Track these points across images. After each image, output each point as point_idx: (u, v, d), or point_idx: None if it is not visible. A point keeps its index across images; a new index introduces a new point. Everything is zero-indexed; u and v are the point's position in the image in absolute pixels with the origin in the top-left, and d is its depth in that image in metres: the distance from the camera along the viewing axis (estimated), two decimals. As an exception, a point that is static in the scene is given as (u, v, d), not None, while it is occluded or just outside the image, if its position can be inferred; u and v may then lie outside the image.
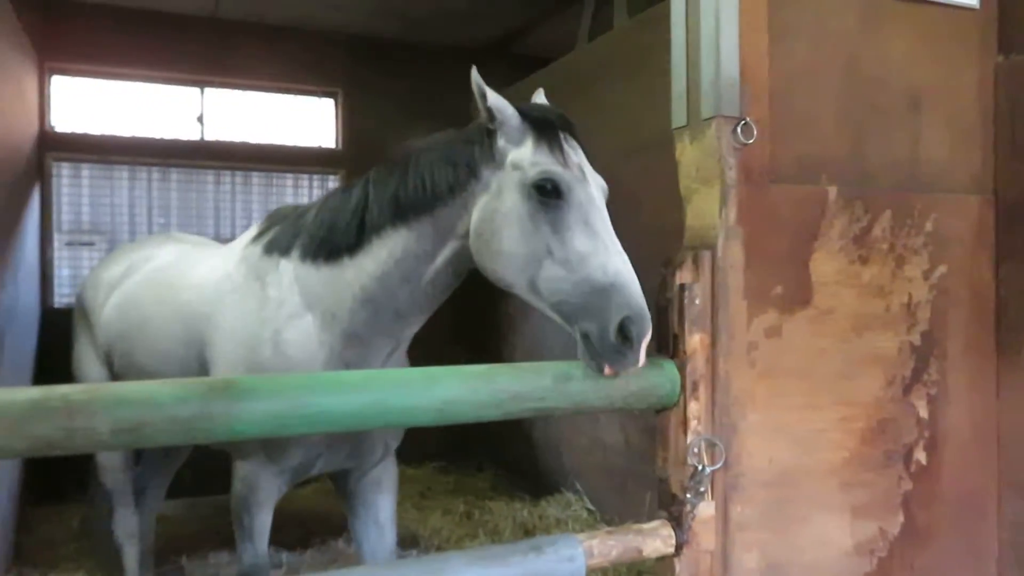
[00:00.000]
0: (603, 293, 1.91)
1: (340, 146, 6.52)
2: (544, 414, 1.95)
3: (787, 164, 2.19)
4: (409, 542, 4.55)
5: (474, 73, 2.12)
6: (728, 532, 2.11)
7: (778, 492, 2.17)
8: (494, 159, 2.19)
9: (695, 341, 2.09)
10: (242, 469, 2.64)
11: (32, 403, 1.50)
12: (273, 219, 2.91)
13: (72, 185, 5.72)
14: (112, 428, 1.54)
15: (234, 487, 2.69)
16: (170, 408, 1.58)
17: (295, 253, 2.64)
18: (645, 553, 2.05)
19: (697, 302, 2.09)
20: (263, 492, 2.64)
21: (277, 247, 2.71)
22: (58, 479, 5.06)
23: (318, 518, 5.09)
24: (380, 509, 2.91)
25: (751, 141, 2.12)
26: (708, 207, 2.15)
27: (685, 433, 2.08)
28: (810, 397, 2.21)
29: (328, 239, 2.52)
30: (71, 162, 5.69)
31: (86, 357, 3.62)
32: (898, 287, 2.33)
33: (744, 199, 2.13)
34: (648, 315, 1.90)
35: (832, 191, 2.24)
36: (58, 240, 5.72)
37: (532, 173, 2.06)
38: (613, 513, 4.73)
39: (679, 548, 2.07)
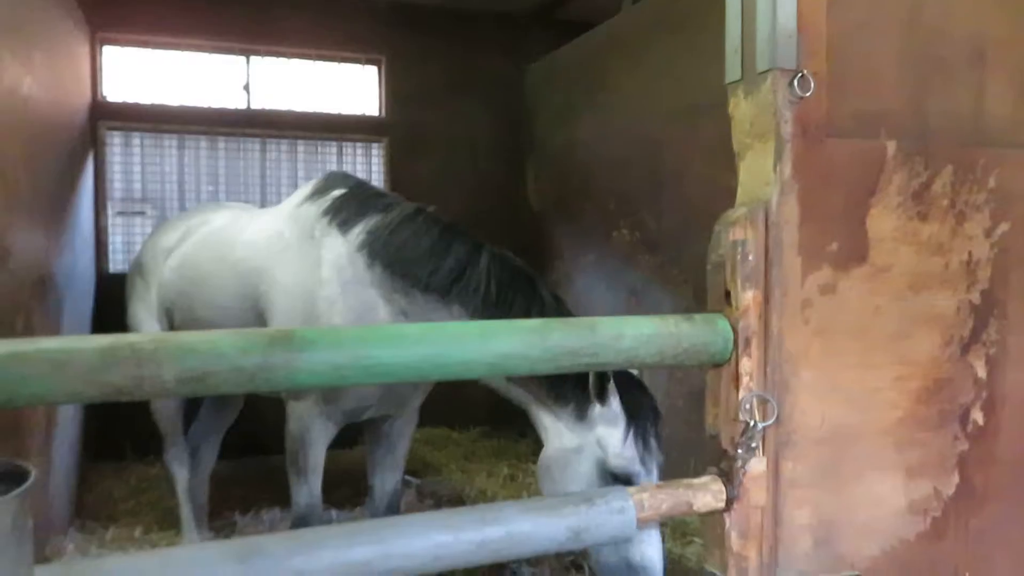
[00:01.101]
0: (632, 572, 2.37)
1: (383, 114, 6.54)
2: (596, 369, 1.96)
3: (845, 118, 2.15)
4: (455, 501, 4.63)
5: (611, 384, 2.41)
6: (780, 489, 2.11)
7: (831, 450, 2.15)
8: (583, 419, 2.46)
9: (748, 298, 2.07)
10: (297, 409, 2.79)
11: (102, 351, 1.56)
12: (329, 183, 3.06)
13: (124, 154, 5.84)
14: (178, 377, 1.59)
15: (289, 427, 2.84)
16: (234, 358, 1.63)
17: (356, 238, 2.83)
18: (695, 507, 2.06)
19: (751, 258, 2.07)
20: (316, 431, 2.80)
21: (337, 219, 2.86)
22: (116, 439, 5.23)
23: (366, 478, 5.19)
24: (398, 448, 3.35)
25: (808, 94, 2.07)
26: (762, 163, 2.12)
27: (737, 390, 2.07)
28: (865, 356, 2.18)
29: (403, 264, 2.72)
30: (123, 131, 5.80)
31: (144, 318, 3.76)
32: (958, 245, 2.27)
33: (800, 154, 2.10)
34: None
35: (891, 146, 2.19)
36: (111, 209, 5.85)
37: (615, 462, 2.41)
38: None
39: (729, 503, 2.07)
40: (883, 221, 2.19)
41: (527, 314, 2.45)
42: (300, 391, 2.81)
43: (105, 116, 5.62)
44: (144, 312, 3.75)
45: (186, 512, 3.98)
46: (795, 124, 2.09)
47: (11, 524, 1.25)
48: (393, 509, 3.33)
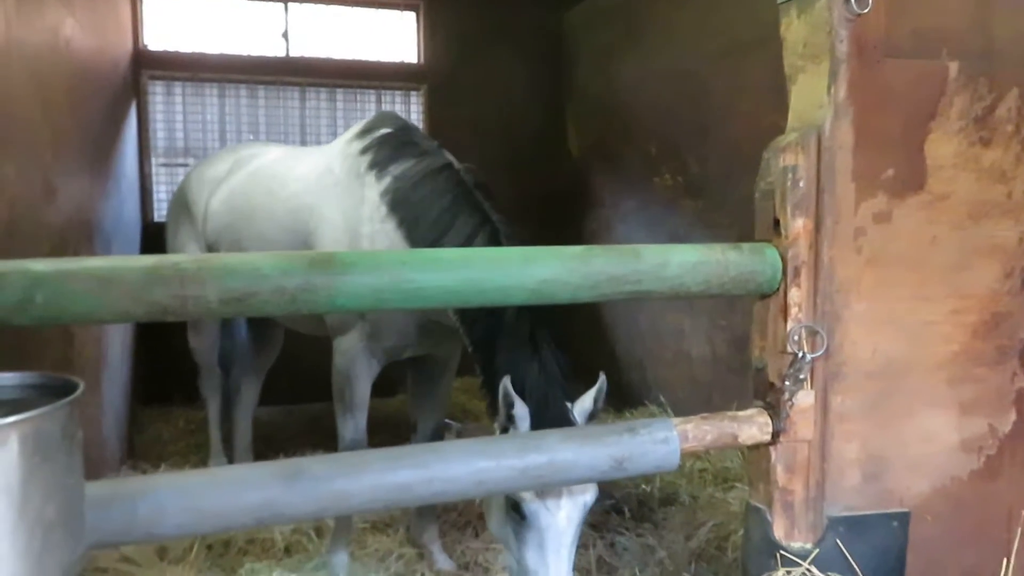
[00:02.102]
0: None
1: (422, 60, 6.46)
2: (638, 297, 1.92)
3: (903, 37, 2.04)
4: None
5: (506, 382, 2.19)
6: (828, 422, 2.06)
7: (882, 384, 2.09)
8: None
9: (798, 226, 2.01)
10: (342, 344, 2.84)
11: (147, 271, 1.56)
12: (377, 122, 3.08)
13: (166, 104, 5.87)
14: (220, 297, 1.59)
15: (335, 363, 2.90)
16: (275, 279, 1.62)
17: (387, 183, 2.84)
18: (740, 440, 2.03)
19: (801, 185, 2.00)
20: (360, 367, 2.85)
21: (375, 160, 2.86)
22: (164, 385, 5.35)
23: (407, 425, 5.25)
24: (440, 387, 3.35)
25: (865, 11, 1.97)
26: (816, 85, 2.03)
27: (785, 321, 2.01)
28: (920, 287, 2.10)
29: (413, 223, 2.70)
30: (164, 80, 5.83)
31: (187, 247, 3.81)
32: (1022, 173, 2.17)
33: (855, 75, 2.00)
34: None
35: (953, 67, 2.08)
36: (154, 160, 5.91)
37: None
38: (698, 425, 4.70)
39: (775, 436, 2.03)
40: (942, 146, 2.09)
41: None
42: (345, 327, 2.85)
43: (147, 65, 5.65)
44: (189, 243, 3.80)
45: (214, 437, 4.22)
46: (851, 43, 1.99)
47: (61, 432, 1.27)
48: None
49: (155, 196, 5.79)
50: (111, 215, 4.34)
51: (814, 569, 2.04)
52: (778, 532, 2.07)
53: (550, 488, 2.06)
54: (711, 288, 1.96)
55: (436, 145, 3.01)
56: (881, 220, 2.06)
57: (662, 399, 5.08)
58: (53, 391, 1.34)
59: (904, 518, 2.13)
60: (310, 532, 3.39)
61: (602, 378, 2.30)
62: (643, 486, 3.95)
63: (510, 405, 2.18)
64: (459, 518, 3.65)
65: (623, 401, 5.37)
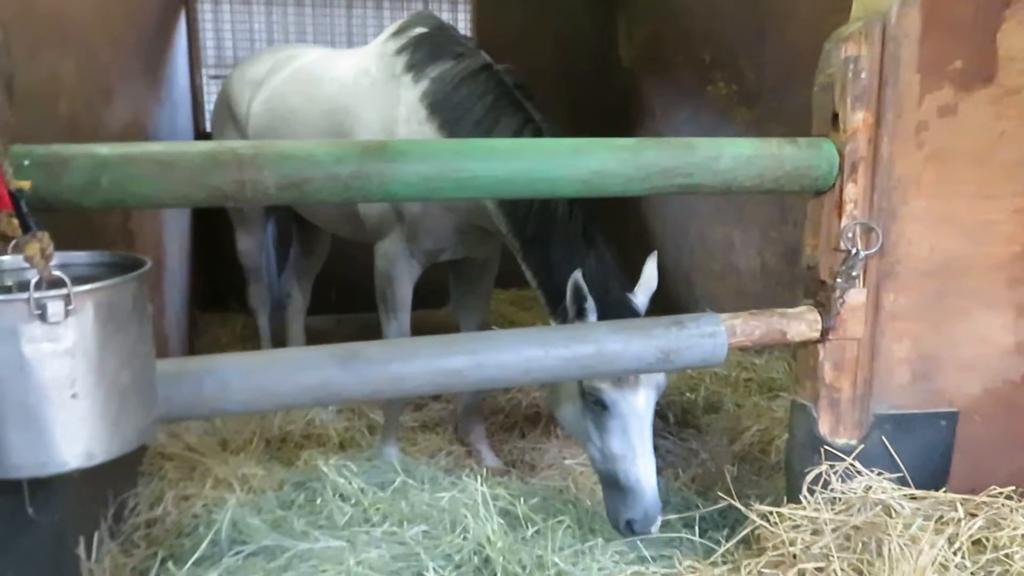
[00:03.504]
0: (621, 492, 2.29)
1: (470, -32, 6.30)
2: (690, 191, 1.91)
3: (982, -83, 1.93)
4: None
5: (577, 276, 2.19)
6: (879, 320, 2.05)
7: (937, 283, 2.06)
8: None
9: (857, 120, 1.95)
10: (382, 247, 2.89)
11: (206, 155, 1.60)
12: (411, 21, 3.03)
13: (215, 14, 5.85)
14: (277, 183, 1.62)
15: (376, 265, 2.97)
16: (329, 166, 1.65)
17: (425, 85, 2.82)
18: (789, 336, 2.03)
19: (863, 76, 1.94)
20: (400, 268, 2.92)
21: (411, 61, 2.84)
22: (221, 292, 5.52)
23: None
24: (480, 288, 3.42)
25: None
26: (883, -30, 1.94)
27: (840, 217, 1.98)
28: (983, 185, 2.04)
29: (455, 125, 2.68)
30: (212, -10, 5.80)
31: None
32: (1101, 65, 2.06)
33: (926, -41, 1.91)
34: (655, 516, 2.25)
35: (1033, -51, 1.96)
36: (205, 72, 5.92)
37: (588, 383, 2.24)
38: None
39: (825, 333, 2.03)
40: (1017, 37, 1.99)
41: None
42: (383, 229, 2.93)
43: (194, -26, 5.62)
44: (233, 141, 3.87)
45: (263, 320, 4.35)
46: (924, -77, 1.89)
47: (132, 303, 1.33)
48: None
49: (206, 107, 5.84)
50: (165, 124, 4.40)
51: (858, 464, 2.06)
52: (823, 428, 2.09)
53: (599, 376, 2.10)
54: (765, 183, 1.93)
55: (473, 45, 2.96)
56: (946, 113, 1.99)
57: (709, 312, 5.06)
58: (122, 268, 1.40)
59: (952, 418, 2.13)
60: (363, 429, 3.52)
61: (654, 255, 2.38)
62: (687, 394, 3.99)
63: (583, 299, 2.19)
64: (506, 419, 3.75)
65: (668, 313, 5.38)
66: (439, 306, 5.65)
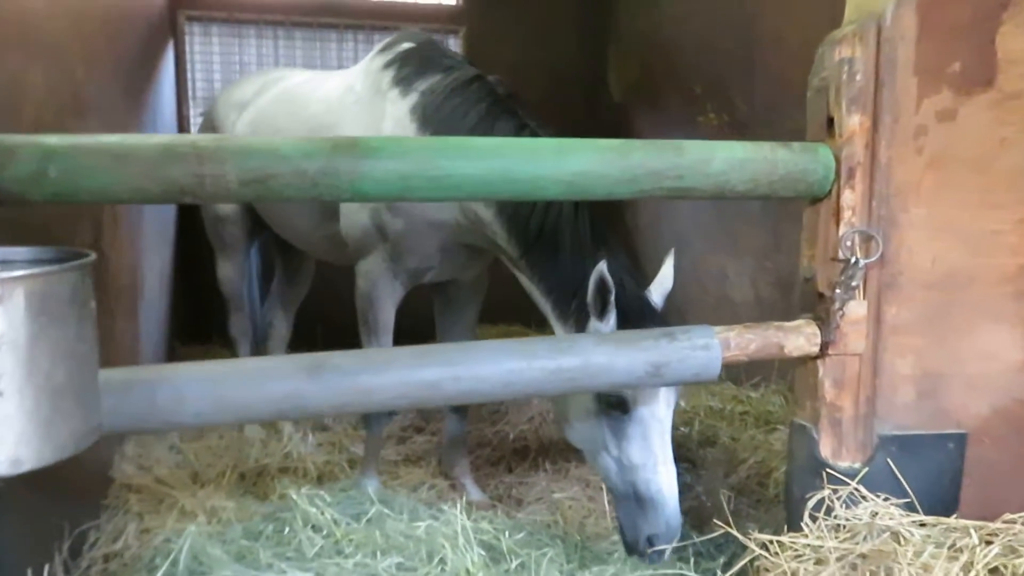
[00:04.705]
0: (641, 504, 2.18)
1: (461, 2, 6.32)
2: (681, 195, 1.81)
3: (977, -83, 1.87)
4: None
5: (602, 268, 2.09)
6: (881, 335, 1.94)
7: (941, 296, 1.96)
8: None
9: (854, 123, 1.87)
10: (364, 266, 2.80)
11: (163, 148, 1.50)
12: (399, 38, 3.00)
13: (203, 45, 5.83)
14: (240, 178, 1.52)
15: (358, 286, 2.87)
16: (296, 161, 1.55)
17: (414, 99, 2.75)
18: (786, 351, 1.92)
19: (858, 79, 1.86)
20: (383, 289, 2.82)
21: (399, 75, 2.80)
22: (203, 325, 5.39)
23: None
24: (466, 315, 3.30)
25: None
26: (877, -30, 1.88)
27: (837, 225, 1.89)
28: (986, 193, 1.95)
29: (445, 132, 2.58)
30: (202, 21, 5.78)
31: None
32: (1103, 70, 1.99)
33: (921, -42, 1.85)
34: (676, 530, 2.16)
35: (1030, -50, 1.91)
36: (192, 106, 5.87)
37: None
38: (739, 370, 4.58)
39: (824, 348, 1.92)
40: (1016, 40, 1.92)
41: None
42: (365, 248, 2.82)
43: (184, 5, 5.61)
44: None
45: (243, 351, 4.15)
46: (918, -78, 1.84)
47: (70, 296, 1.22)
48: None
49: (193, 139, 5.80)
50: None
51: (863, 489, 1.93)
52: (825, 451, 1.96)
53: (584, 392, 1.98)
54: (758, 187, 1.84)
55: (462, 58, 2.91)
56: (945, 118, 1.91)
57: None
58: (67, 263, 1.29)
59: (960, 440, 2.01)
60: (343, 463, 3.37)
61: (672, 252, 2.29)
62: (681, 428, 3.86)
63: (608, 291, 2.08)
64: (492, 453, 3.61)
65: (662, 348, 5.26)
66: (424, 340, 5.51)
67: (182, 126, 5.66)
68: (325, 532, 2.19)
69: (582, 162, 1.71)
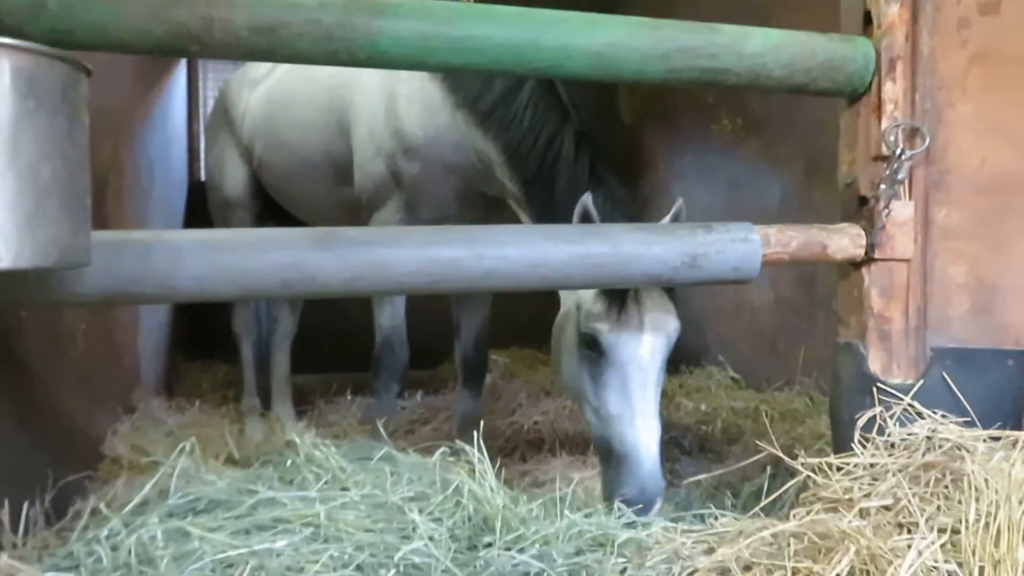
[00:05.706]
0: (616, 461, 1.99)
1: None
2: (715, 79, 1.71)
3: None
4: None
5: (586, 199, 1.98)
6: (930, 239, 1.81)
7: (993, 200, 1.84)
8: None
9: (893, 13, 1.79)
10: (378, 218, 2.70)
11: (170, -12, 1.41)
12: None
13: (216, 64, 5.87)
14: (250, 24, 1.43)
15: None
16: (311, 11, 1.46)
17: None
18: (830, 251, 1.78)
19: (896, -34, 1.78)
20: None
21: None
22: (205, 340, 5.25)
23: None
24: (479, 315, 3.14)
25: None
26: None
27: (879, 120, 1.78)
28: (1036, 93, 1.85)
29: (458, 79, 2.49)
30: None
31: (227, 154, 3.71)
32: None
33: None
34: (654, 495, 1.93)
35: None
36: (203, 121, 5.86)
37: (583, 321, 2.03)
38: (760, 378, 4.39)
39: (870, 252, 1.79)
40: (1058, -66, 1.86)
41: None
42: (379, 198, 2.72)
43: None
44: (227, 148, 3.68)
45: (248, 376, 4.05)
46: None
47: (61, 92, 1.11)
48: (480, 347, 3.15)
49: (201, 157, 5.77)
50: (167, 174, 4.28)
51: (917, 404, 1.77)
52: (874, 366, 1.81)
53: (615, 283, 1.80)
54: (796, 75, 1.75)
55: None
56: (988, 12, 1.82)
57: (720, 358, 4.78)
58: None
59: (1021, 358, 1.85)
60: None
61: (680, 201, 2.10)
62: (703, 427, 3.68)
63: (592, 223, 1.94)
64: (506, 444, 3.41)
65: (678, 361, 5.08)
66: (434, 365, 5.35)
67: (191, 144, 5.66)
68: (331, 475, 2.02)
69: (613, 33, 1.62)
